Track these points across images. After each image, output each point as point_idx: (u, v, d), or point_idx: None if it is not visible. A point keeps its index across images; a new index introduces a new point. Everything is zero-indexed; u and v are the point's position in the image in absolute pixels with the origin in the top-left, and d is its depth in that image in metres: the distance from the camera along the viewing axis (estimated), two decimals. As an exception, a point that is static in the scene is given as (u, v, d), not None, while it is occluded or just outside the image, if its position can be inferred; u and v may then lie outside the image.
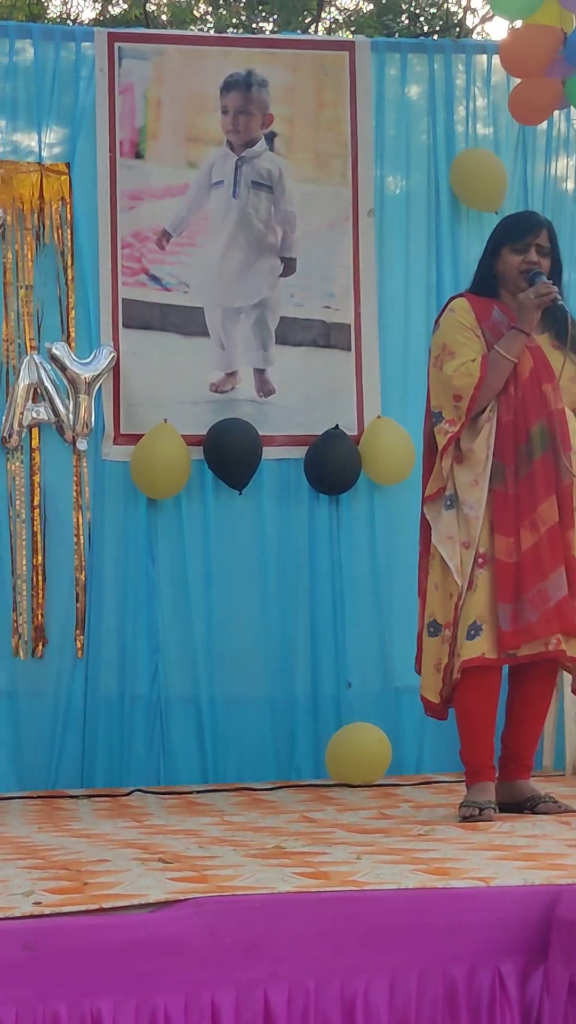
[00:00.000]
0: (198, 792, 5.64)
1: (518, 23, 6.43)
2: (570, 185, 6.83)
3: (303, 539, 6.31)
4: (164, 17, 11.60)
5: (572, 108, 6.39)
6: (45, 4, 11.42)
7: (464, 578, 4.47)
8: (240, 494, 6.21)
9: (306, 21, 10.46)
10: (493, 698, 4.56)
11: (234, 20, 11.46)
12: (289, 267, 6.40)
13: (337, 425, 6.27)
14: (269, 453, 6.26)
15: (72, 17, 11.72)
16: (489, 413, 4.54)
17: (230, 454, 6.16)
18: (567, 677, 4.81)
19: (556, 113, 6.60)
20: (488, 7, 9.22)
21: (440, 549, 4.52)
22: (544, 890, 2.83)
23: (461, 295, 4.75)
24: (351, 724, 5.93)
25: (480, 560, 4.48)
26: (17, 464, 6.11)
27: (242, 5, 11.52)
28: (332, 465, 6.24)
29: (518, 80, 6.20)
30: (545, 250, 4.65)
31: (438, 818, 4.49)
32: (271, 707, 6.19)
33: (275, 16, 10.99)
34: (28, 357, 6.10)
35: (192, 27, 11.44)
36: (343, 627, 6.27)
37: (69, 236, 6.23)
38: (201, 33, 10.35)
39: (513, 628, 4.41)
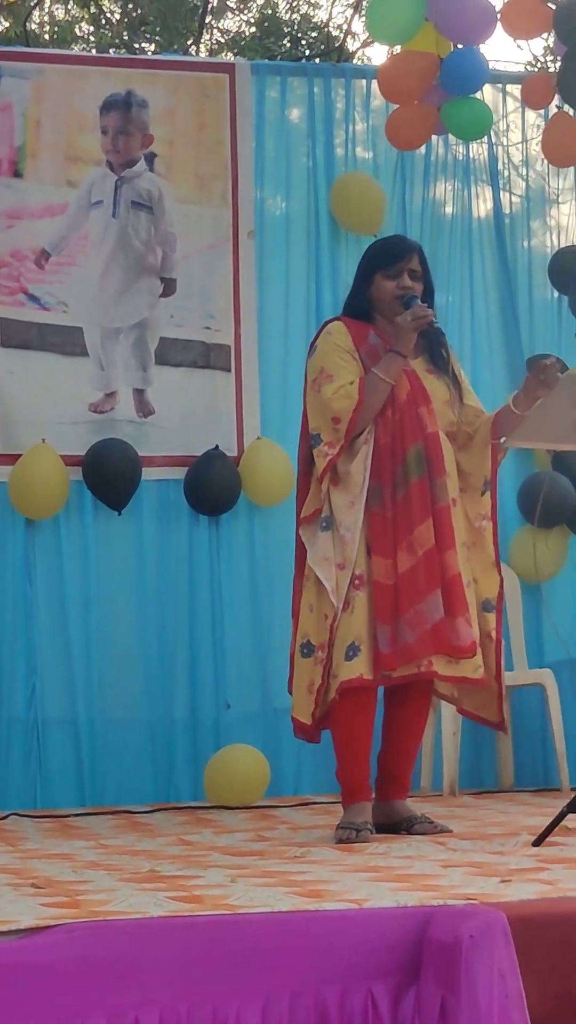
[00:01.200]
0: (75, 815, 5.59)
1: (397, 48, 6.49)
2: (448, 210, 6.89)
3: (183, 560, 6.30)
4: (46, 36, 11.55)
5: (449, 134, 6.46)
6: None
7: (340, 599, 4.48)
8: (119, 515, 6.18)
9: (188, 43, 10.46)
10: (370, 719, 4.58)
11: (116, 40, 11.44)
12: (169, 288, 6.40)
13: (217, 446, 6.27)
14: (148, 474, 6.25)
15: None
16: (367, 435, 4.55)
17: (109, 474, 6.13)
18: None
19: (434, 138, 6.66)
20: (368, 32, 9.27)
21: (316, 570, 4.52)
22: (416, 911, 2.83)
23: (337, 319, 4.76)
24: (229, 746, 5.92)
25: (356, 582, 4.49)
26: None
27: (124, 25, 11.50)
28: (212, 486, 6.24)
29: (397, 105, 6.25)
30: (417, 274, 4.68)
31: (315, 839, 4.50)
32: (149, 729, 6.17)
33: (157, 37, 10.99)
34: None
35: (74, 46, 11.40)
36: (222, 648, 6.26)
37: (-53, 254, 6.18)
38: (82, 52, 10.32)
39: (391, 649, 4.43)
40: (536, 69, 8.32)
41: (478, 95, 6.44)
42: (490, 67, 6.39)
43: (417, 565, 4.46)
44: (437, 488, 4.53)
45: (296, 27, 11.06)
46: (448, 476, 4.57)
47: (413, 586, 4.45)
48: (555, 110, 6.48)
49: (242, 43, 11.04)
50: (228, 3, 11.57)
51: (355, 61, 10.09)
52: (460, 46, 6.11)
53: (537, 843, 4.07)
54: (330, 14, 10.97)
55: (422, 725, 4.75)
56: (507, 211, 6.93)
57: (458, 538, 4.58)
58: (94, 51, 11.06)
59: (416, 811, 4.62)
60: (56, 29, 11.60)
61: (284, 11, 11.42)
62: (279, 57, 10.22)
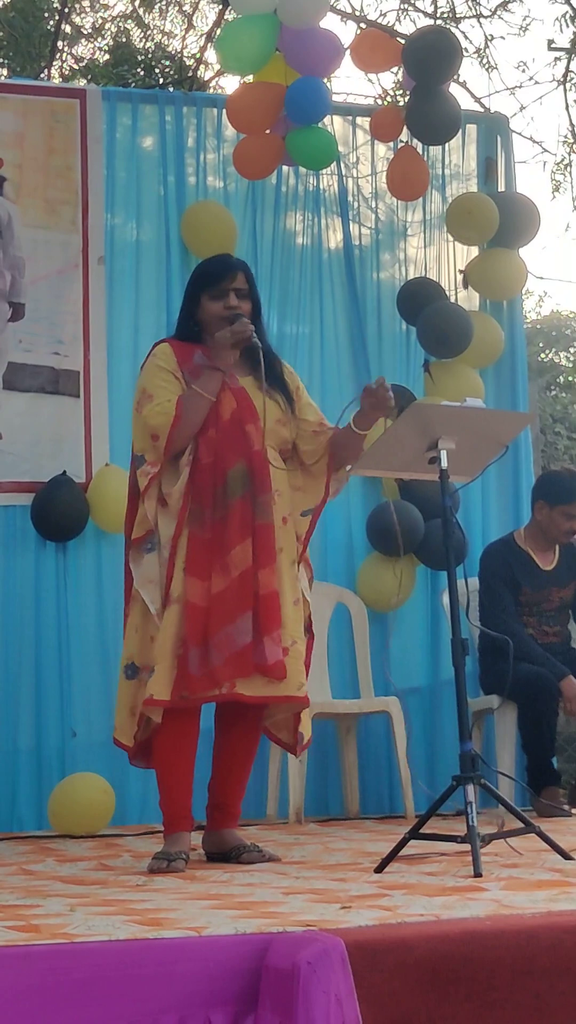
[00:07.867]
0: None
1: (248, 79, 6.53)
2: (299, 240, 6.93)
3: (29, 586, 6.24)
4: None
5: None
6: None
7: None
8: (-36, 541, 6.12)
9: (42, 64, 10.40)
10: (185, 745, 4.52)
11: (-31, 64, 11.35)
12: (18, 312, 6.35)
13: (65, 472, 6.24)
14: (-5, 499, 6.19)
15: None
16: (188, 456, 4.53)
17: (-45, 500, 6.07)
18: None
19: (285, 169, 6.71)
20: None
21: (142, 592, 4.51)
22: (254, 939, 2.83)
23: (164, 340, 4.76)
24: (75, 774, 5.87)
25: (166, 600, 4.47)
26: None
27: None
28: (59, 512, 6.19)
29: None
30: (243, 292, 4.66)
31: (158, 868, 4.47)
32: (-7, 758, 6.11)
33: (9, 61, 10.91)
34: None
35: None
36: (68, 676, 6.21)
37: None
38: None
39: (201, 672, 4.39)
40: (385, 103, 8.41)
41: (327, 126, 6.51)
42: (340, 99, 6.46)
43: (230, 586, 4.44)
44: (259, 506, 4.50)
45: (150, 55, 11.05)
46: (278, 494, 4.56)
47: (224, 608, 4.43)
48: (403, 143, 6.56)
49: (95, 70, 11.00)
50: (82, 29, 11.54)
51: (209, 90, 10.11)
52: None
53: (379, 870, 4.09)
54: (183, 43, 10.98)
55: (250, 752, 4.69)
56: (357, 243, 6.98)
57: (287, 556, 4.57)
58: (-55, 74, 10.95)
59: (244, 840, 4.59)
60: None
61: (138, 39, 11.41)
62: (132, 85, 10.21)
